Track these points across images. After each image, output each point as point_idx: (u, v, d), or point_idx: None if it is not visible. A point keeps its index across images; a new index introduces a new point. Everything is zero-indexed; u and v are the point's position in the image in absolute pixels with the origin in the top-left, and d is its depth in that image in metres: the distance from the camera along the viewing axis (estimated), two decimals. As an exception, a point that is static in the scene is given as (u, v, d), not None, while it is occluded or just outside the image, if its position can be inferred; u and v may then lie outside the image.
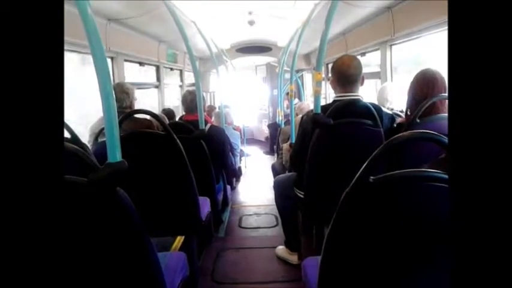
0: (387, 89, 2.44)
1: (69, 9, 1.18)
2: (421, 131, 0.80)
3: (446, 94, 1.39)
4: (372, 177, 0.75)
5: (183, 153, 1.59)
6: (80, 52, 2.29)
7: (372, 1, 2.54)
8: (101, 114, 1.97)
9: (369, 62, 3.39)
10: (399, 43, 2.71)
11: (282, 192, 2.17)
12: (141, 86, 3.54)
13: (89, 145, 1.76)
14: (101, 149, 1.53)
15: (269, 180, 4.06)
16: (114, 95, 0.87)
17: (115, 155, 0.87)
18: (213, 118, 3.86)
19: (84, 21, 0.80)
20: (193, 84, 4.68)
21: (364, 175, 0.76)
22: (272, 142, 5.91)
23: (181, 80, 4.91)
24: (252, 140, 7.83)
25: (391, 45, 2.81)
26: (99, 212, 0.84)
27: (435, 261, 0.76)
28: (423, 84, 1.44)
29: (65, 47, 2.10)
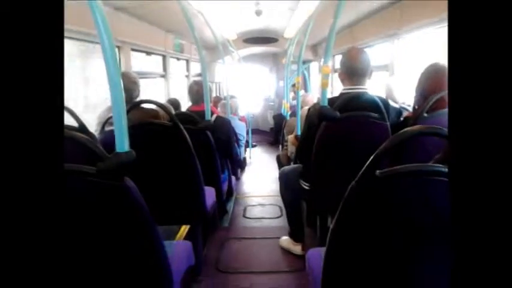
0: (395, 82, 2.43)
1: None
2: (429, 126, 0.80)
3: None
4: (378, 171, 0.75)
5: (189, 144, 1.60)
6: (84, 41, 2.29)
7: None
8: (108, 103, 1.99)
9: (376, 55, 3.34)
10: (407, 36, 2.67)
11: (287, 184, 2.18)
12: (146, 75, 3.54)
13: (95, 134, 1.78)
14: (107, 138, 1.54)
15: (274, 171, 4.06)
16: (122, 85, 0.88)
17: (123, 144, 0.88)
18: (219, 109, 3.87)
19: (92, 11, 0.80)
20: (199, 75, 4.66)
21: (370, 169, 0.76)
22: (277, 133, 5.91)
23: (187, 70, 4.90)
24: (257, 131, 7.83)
25: (399, 38, 2.77)
26: (107, 200, 0.85)
27: (438, 254, 0.77)
28: (432, 79, 1.42)
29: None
